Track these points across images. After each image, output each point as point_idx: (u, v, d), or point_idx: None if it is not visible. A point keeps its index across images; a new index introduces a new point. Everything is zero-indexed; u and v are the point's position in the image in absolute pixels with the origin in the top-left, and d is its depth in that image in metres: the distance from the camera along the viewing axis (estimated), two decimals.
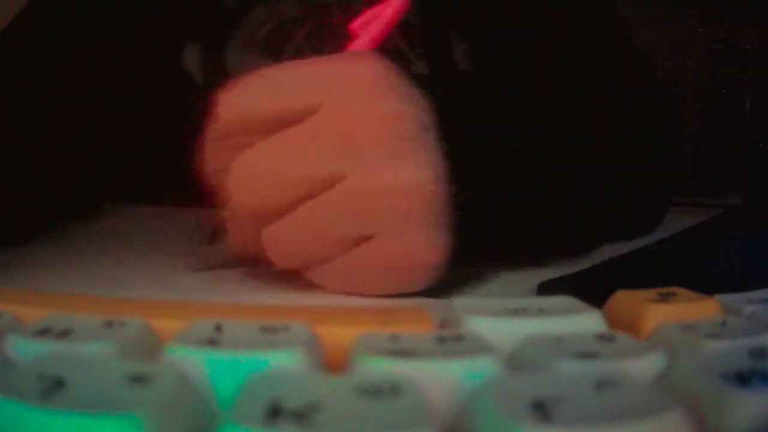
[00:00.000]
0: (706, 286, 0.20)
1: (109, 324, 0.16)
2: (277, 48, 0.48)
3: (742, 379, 0.13)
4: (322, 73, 0.25)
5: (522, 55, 0.35)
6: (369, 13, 0.29)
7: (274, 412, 0.12)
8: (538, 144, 0.29)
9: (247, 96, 0.26)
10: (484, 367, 0.14)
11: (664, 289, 0.19)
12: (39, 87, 0.45)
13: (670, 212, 0.43)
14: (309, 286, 0.27)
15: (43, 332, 0.15)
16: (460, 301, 0.18)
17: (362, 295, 0.27)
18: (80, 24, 0.49)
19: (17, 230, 0.36)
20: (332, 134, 0.24)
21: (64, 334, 0.15)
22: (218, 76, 0.50)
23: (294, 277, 0.27)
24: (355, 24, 0.29)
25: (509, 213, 0.28)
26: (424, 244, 0.25)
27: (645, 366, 0.15)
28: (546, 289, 0.27)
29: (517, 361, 0.15)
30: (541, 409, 0.12)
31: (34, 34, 0.48)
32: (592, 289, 0.20)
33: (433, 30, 0.40)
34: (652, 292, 0.19)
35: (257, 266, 0.28)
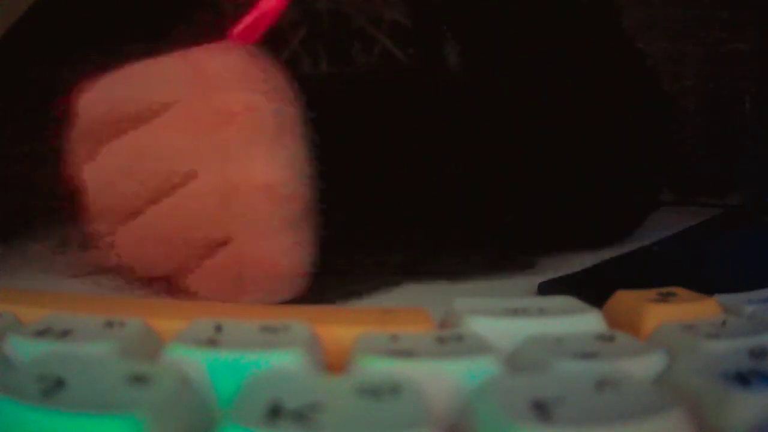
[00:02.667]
0: (706, 286, 0.20)
1: (109, 324, 0.16)
2: (274, 54, 0.48)
3: (742, 379, 0.13)
4: (175, 68, 0.24)
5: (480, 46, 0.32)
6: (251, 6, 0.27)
7: (274, 412, 0.12)
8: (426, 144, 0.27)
9: (105, 94, 0.24)
10: (484, 367, 0.14)
11: (664, 289, 0.19)
12: (41, 87, 0.45)
13: (669, 212, 0.43)
14: (182, 293, 0.24)
15: (43, 332, 0.15)
16: (460, 301, 0.18)
17: (235, 301, 0.24)
18: (81, 26, 0.49)
19: (17, 229, 0.36)
20: (184, 130, 0.23)
21: (64, 334, 0.15)
22: None
23: (165, 284, 0.25)
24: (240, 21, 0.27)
25: (388, 217, 0.26)
26: (283, 248, 0.23)
27: (645, 366, 0.15)
28: (546, 289, 0.27)
29: (517, 361, 0.15)
30: (541, 409, 0.12)
31: (36, 35, 0.48)
32: (592, 289, 0.20)
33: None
34: (652, 292, 0.19)
35: (122, 274, 0.25)
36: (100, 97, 0.24)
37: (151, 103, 0.23)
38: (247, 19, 0.26)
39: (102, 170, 0.24)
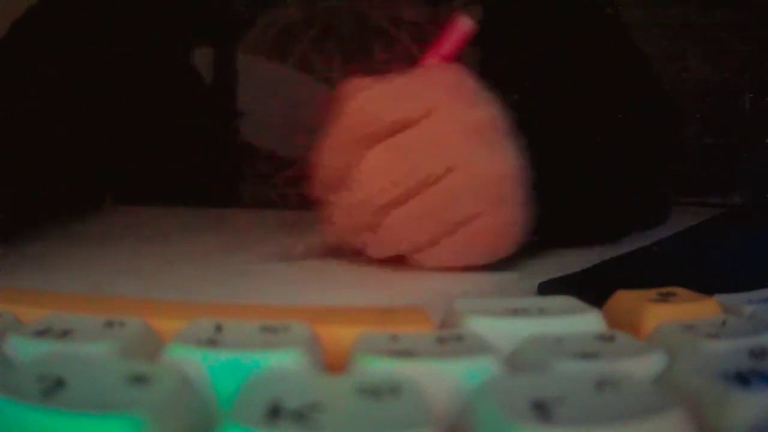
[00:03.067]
0: (706, 286, 0.20)
1: (109, 324, 0.16)
2: (284, 51, 0.48)
3: (742, 379, 0.13)
4: (429, 84, 0.31)
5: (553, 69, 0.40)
6: (442, 33, 0.34)
7: (274, 412, 0.12)
8: (587, 141, 0.35)
9: (372, 103, 0.31)
10: (484, 367, 0.14)
11: (664, 289, 0.19)
12: (41, 86, 0.45)
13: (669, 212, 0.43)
14: (409, 268, 0.32)
15: (43, 332, 0.15)
16: (460, 301, 0.18)
17: (460, 269, 0.31)
18: (86, 23, 0.49)
19: (15, 228, 0.36)
20: (444, 134, 0.30)
21: (64, 334, 0.15)
22: (223, 78, 0.50)
23: (392, 262, 0.32)
24: (431, 44, 0.34)
25: (573, 197, 0.33)
26: (515, 218, 0.30)
27: (645, 366, 0.15)
28: (546, 289, 0.27)
29: (517, 361, 0.15)
30: (541, 409, 0.12)
31: (38, 32, 0.48)
32: (592, 289, 0.20)
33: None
34: (652, 292, 0.19)
35: (356, 256, 0.32)
36: (367, 103, 0.31)
37: (412, 113, 0.30)
38: (448, 43, 0.34)
39: (371, 167, 0.30)
